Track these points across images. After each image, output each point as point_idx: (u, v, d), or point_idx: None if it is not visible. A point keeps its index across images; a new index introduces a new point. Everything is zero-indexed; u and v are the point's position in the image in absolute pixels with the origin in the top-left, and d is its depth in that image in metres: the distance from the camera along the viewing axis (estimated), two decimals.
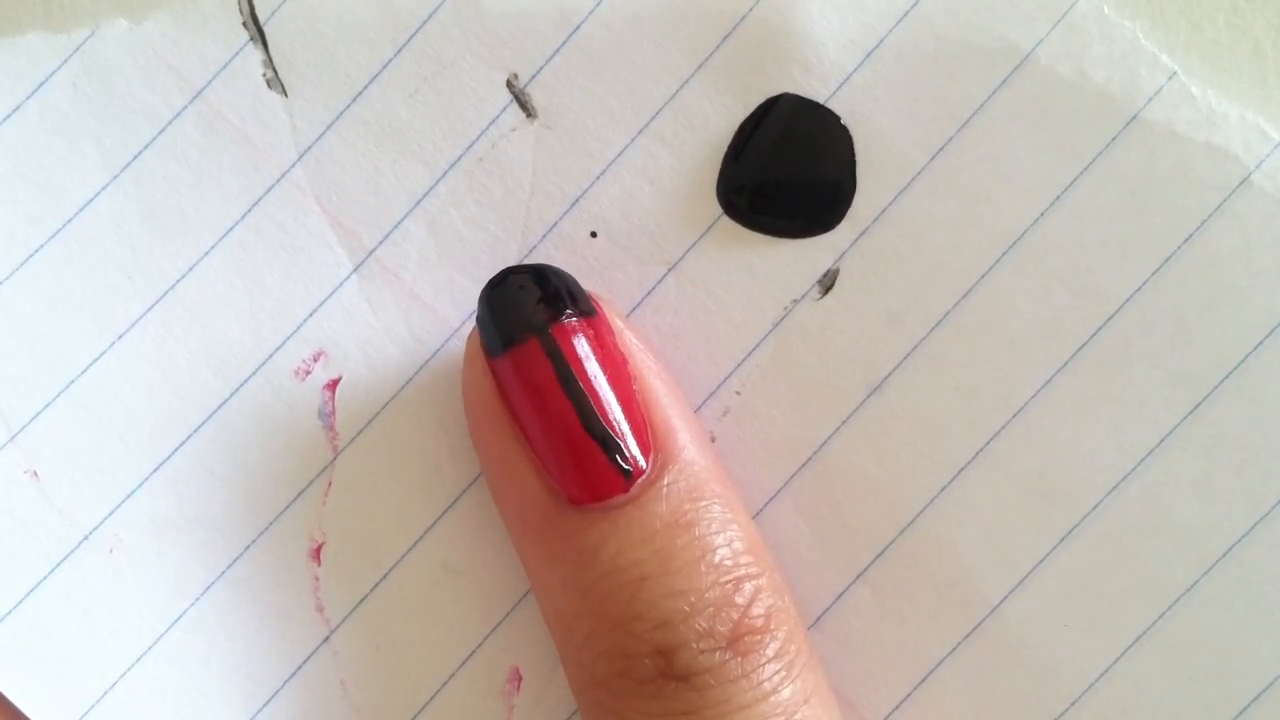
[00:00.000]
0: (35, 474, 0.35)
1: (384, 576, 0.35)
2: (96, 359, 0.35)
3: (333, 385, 0.35)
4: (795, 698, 0.31)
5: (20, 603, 0.35)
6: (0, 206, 0.35)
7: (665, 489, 0.32)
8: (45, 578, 0.35)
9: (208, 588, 0.35)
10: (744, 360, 0.35)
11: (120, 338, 0.35)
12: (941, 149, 0.34)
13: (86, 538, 0.35)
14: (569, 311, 0.32)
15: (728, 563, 0.31)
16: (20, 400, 0.35)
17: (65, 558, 0.35)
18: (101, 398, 0.35)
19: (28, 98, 0.35)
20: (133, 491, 0.35)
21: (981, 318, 0.34)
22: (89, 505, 0.35)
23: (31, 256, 0.35)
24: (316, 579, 0.35)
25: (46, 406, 0.35)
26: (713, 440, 0.35)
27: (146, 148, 0.35)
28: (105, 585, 0.35)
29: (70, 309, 0.35)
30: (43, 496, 0.35)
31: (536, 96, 0.35)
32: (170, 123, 0.35)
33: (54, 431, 0.35)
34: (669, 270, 0.35)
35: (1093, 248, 0.34)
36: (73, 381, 0.35)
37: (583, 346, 0.32)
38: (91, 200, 0.35)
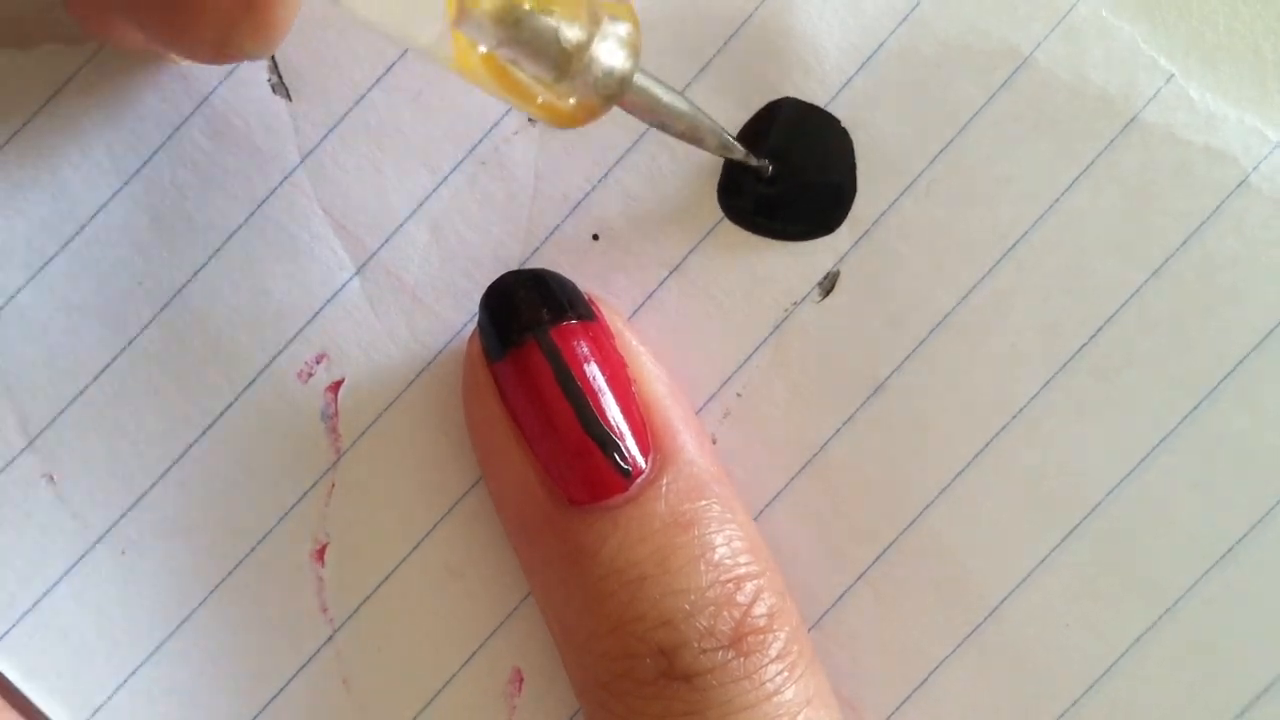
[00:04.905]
0: (52, 478, 0.35)
1: (387, 577, 0.35)
2: (109, 363, 0.35)
3: (335, 387, 0.35)
4: (798, 699, 0.31)
5: (37, 603, 0.35)
6: (17, 215, 0.35)
7: (664, 488, 0.32)
8: (60, 578, 0.35)
9: (215, 588, 0.35)
10: (745, 362, 0.35)
11: (131, 342, 0.35)
12: (941, 151, 0.34)
13: (100, 540, 0.35)
14: (568, 315, 0.32)
15: (727, 561, 0.32)
16: (39, 406, 0.35)
17: (80, 559, 0.35)
18: (114, 402, 0.35)
19: (42, 107, 0.35)
20: (144, 494, 0.35)
21: (981, 320, 0.34)
22: (102, 508, 0.35)
23: (47, 264, 0.35)
24: (320, 580, 0.35)
25: (62, 411, 0.35)
26: (714, 442, 0.35)
27: (156, 153, 0.35)
28: (117, 586, 0.35)
29: (84, 314, 0.35)
30: (59, 500, 0.35)
31: None
32: (178, 128, 0.35)
33: (70, 436, 0.35)
34: (670, 273, 0.35)
35: (1092, 250, 0.34)
36: (87, 386, 0.35)
37: (581, 349, 0.32)
38: (103, 206, 0.35)
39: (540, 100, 0.30)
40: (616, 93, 0.30)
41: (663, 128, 0.32)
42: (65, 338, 0.35)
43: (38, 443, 0.35)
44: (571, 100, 0.30)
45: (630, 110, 0.31)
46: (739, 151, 0.34)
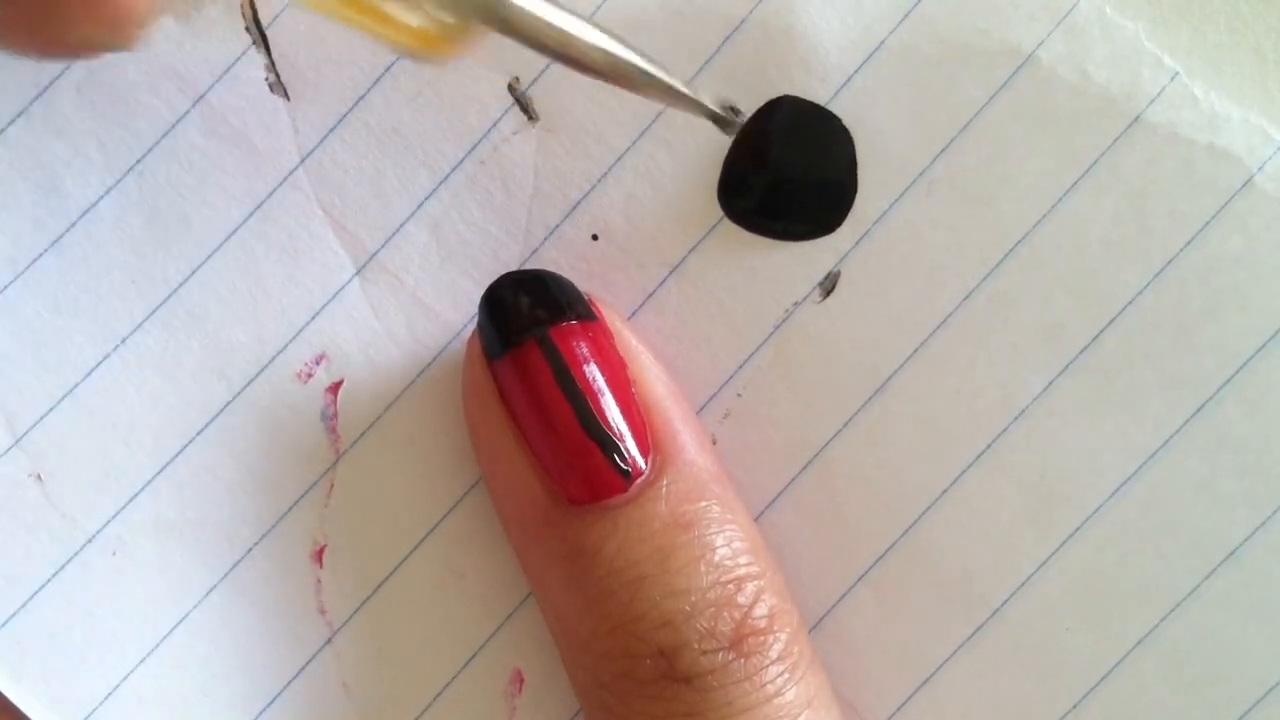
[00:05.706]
0: (39, 477, 0.35)
1: (386, 579, 0.35)
2: (100, 362, 0.35)
3: (335, 388, 0.35)
4: (799, 700, 0.31)
5: (24, 605, 0.35)
6: (5, 211, 0.35)
7: (664, 489, 0.32)
8: (49, 580, 0.35)
9: (210, 590, 0.35)
10: (745, 363, 0.35)
11: (124, 341, 0.35)
12: (943, 151, 0.34)
13: (90, 541, 0.35)
14: (567, 315, 0.32)
15: (727, 562, 0.31)
16: (25, 404, 0.35)
17: (69, 560, 0.35)
18: (105, 401, 0.35)
19: (32, 102, 0.35)
20: (136, 494, 0.35)
21: (983, 320, 0.34)
22: (92, 508, 0.35)
23: (36, 261, 0.35)
24: (319, 581, 0.35)
25: (51, 410, 0.35)
26: (714, 442, 0.35)
27: (150, 151, 0.35)
28: (108, 588, 0.35)
29: (74, 313, 0.35)
30: (47, 500, 0.35)
31: (538, 100, 0.35)
32: (173, 126, 0.35)
33: (58, 435, 0.35)
34: (670, 273, 0.35)
35: (1094, 250, 0.34)
36: (77, 385, 0.35)
37: (581, 349, 0.32)
38: (95, 204, 0.35)
39: (392, 20, 0.27)
40: (478, 10, 0.27)
41: (580, 68, 0.29)
42: (54, 335, 0.35)
43: (25, 441, 0.35)
44: (417, 21, 0.27)
45: (521, 40, 0.28)
46: (688, 99, 0.32)
